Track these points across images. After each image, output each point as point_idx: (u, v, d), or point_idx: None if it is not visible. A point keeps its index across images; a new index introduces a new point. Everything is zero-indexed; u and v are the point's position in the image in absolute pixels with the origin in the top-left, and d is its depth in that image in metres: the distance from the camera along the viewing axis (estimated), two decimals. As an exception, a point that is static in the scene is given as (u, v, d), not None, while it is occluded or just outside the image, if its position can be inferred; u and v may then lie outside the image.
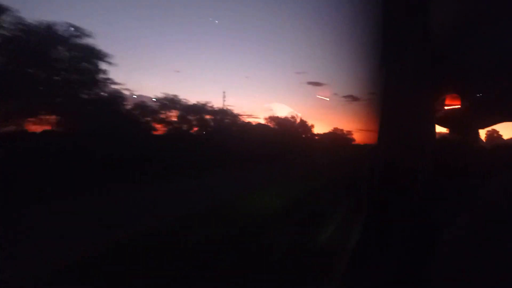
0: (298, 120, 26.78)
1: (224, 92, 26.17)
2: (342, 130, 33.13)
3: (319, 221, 4.16)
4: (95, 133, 9.83)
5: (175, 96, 15.84)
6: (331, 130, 33.69)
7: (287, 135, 22.33)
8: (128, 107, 13.34)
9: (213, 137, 16.11)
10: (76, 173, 7.56)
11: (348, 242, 1.84)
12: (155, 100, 15.07)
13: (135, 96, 14.66)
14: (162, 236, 4.22)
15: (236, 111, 23.41)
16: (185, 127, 16.28)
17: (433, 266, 1.20)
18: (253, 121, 25.88)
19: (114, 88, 12.12)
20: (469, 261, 0.93)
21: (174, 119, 15.76)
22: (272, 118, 24.47)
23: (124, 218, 5.22)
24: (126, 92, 13.48)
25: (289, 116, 26.45)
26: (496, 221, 0.99)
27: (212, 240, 3.85)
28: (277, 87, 49.22)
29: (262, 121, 23.88)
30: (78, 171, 7.71)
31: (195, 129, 16.91)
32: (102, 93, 11.46)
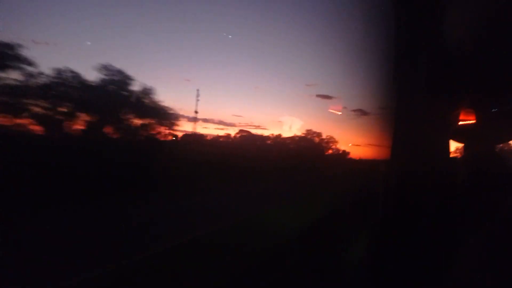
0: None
1: (198, 90, 20.13)
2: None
3: (335, 239, 4.10)
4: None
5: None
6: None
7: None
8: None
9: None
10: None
11: (362, 258, 1.80)
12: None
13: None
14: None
15: (244, 121, 21.96)
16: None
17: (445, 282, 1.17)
18: (261, 133, 24.14)
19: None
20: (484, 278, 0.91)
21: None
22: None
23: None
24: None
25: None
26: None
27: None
28: (287, 99, 49.29)
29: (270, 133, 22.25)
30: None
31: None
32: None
